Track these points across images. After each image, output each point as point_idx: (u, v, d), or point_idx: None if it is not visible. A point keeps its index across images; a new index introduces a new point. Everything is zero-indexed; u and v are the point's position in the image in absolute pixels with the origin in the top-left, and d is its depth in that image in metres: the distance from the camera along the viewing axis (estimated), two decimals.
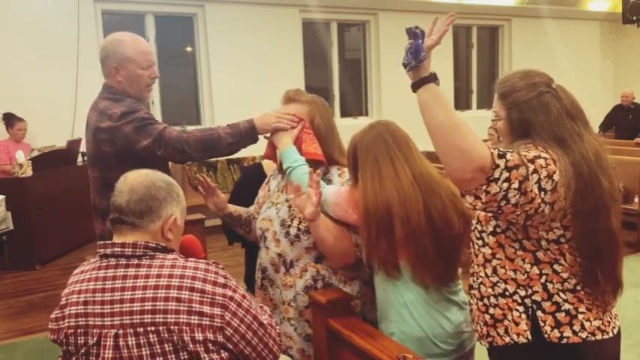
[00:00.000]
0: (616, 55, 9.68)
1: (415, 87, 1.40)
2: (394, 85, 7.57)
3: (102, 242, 1.35)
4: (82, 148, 5.77)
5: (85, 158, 5.85)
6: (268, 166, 2.34)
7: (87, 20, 5.91)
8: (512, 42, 8.63)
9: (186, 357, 1.26)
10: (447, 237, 1.70)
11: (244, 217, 2.14)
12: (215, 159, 6.38)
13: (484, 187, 1.29)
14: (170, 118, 6.54)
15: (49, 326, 1.37)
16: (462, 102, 8.63)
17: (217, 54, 6.53)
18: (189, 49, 6.75)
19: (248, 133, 1.98)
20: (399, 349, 1.60)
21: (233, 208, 2.14)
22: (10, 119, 5.47)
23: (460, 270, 1.83)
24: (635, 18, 7.81)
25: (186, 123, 6.67)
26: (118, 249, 1.32)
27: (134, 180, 1.36)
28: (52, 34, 5.77)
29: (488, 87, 8.82)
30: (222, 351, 1.29)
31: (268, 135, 1.98)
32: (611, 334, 1.49)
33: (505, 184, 1.28)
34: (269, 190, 2.08)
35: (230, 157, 5.99)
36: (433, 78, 1.38)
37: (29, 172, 5.06)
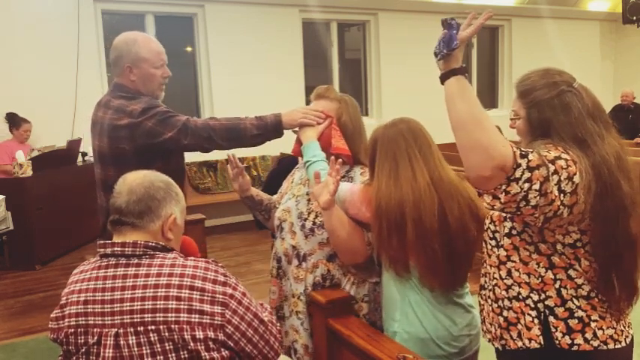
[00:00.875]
0: (616, 55, 9.68)
1: (444, 78, 1.36)
2: (394, 85, 7.58)
3: (102, 242, 1.35)
4: (82, 148, 5.78)
5: (84, 158, 5.89)
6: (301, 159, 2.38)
7: (87, 20, 5.90)
8: (512, 42, 8.63)
9: (186, 356, 1.26)
10: (461, 241, 1.68)
11: (265, 203, 2.17)
12: (215, 159, 6.39)
13: (504, 187, 1.25)
14: None
15: (49, 325, 1.37)
16: None
17: (217, 54, 6.53)
18: (189, 49, 6.75)
19: (274, 127, 2.00)
20: (399, 349, 1.60)
21: (255, 192, 2.17)
22: (16, 120, 5.45)
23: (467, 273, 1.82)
24: (635, 18, 7.81)
25: None
26: (118, 248, 1.32)
27: (132, 181, 1.37)
28: (52, 34, 5.76)
29: (488, 87, 8.82)
30: (222, 349, 1.29)
31: (297, 129, 2.00)
32: (623, 344, 1.46)
33: (526, 185, 1.25)
34: (292, 182, 2.10)
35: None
36: (463, 70, 1.34)
37: (29, 172, 5.06)
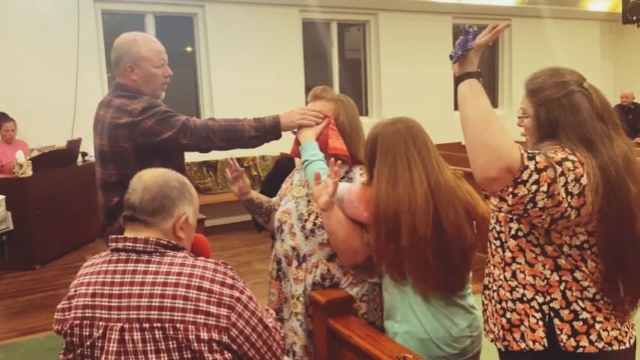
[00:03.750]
0: (616, 55, 9.68)
1: (458, 80, 1.38)
2: (394, 85, 7.58)
3: (114, 236, 1.36)
4: (82, 148, 5.77)
5: (84, 158, 5.89)
6: (299, 161, 2.37)
7: (87, 20, 5.91)
8: (512, 42, 8.63)
9: (189, 356, 1.26)
10: (458, 248, 1.68)
11: (265, 205, 2.17)
12: (215, 159, 6.39)
13: (511, 189, 1.25)
14: None
15: (55, 316, 1.37)
16: None
17: (217, 54, 6.53)
18: (189, 49, 6.75)
19: (272, 129, 2.02)
20: (399, 349, 1.60)
21: (255, 195, 2.17)
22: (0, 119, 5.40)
23: (471, 274, 1.81)
24: (635, 18, 7.81)
25: None
26: (130, 244, 1.33)
27: (148, 178, 1.38)
28: (52, 34, 5.76)
29: (488, 87, 8.82)
30: (225, 352, 1.29)
31: (295, 130, 2.00)
32: (627, 345, 1.46)
33: (534, 187, 1.25)
34: (292, 184, 2.10)
35: (228, 155, 6.00)
36: (477, 74, 1.36)
37: (29, 172, 5.06)
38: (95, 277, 1.33)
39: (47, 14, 5.75)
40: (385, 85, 7.59)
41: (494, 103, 8.82)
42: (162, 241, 1.34)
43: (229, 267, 1.36)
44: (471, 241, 1.70)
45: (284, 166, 2.45)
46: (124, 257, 1.33)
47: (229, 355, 1.30)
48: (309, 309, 1.90)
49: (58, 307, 1.37)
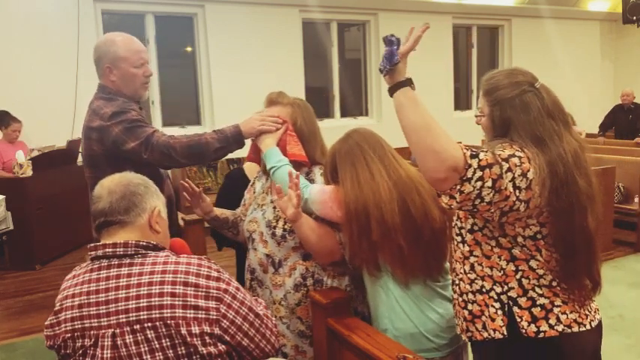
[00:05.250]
0: (616, 55, 9.69)
1: (392, 91, 1.45)
2: None
3: (92, 245, 1.35)
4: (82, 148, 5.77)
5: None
6: (250, 169, 2.37)
7: (87, 20, 5.91)
8: (512, 42, 8.64)
9: (183, 351, 1.26)
10: (428, 230, 1.73)
11: (231, 219, 2.17)
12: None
13: (458, 187, 1.32)
14: (170, 119, 6.55)
15: (45, 333, 1.36)
16: (462, 102, 8.63)
17: (217, 54, 6.54)
18: (189, 49, 6.75)
19: (234, 138, 2.00)
20: (398, 348, 1.61)
21: (219, 211, 2.17)
22: (5, 119, 5.41)
23: (449, 265, 1.84)
24: (635, 18, 7.81)
25: (186, 123, 6.68)
26: (110, 250, 1.32)
27: (110, 183, 1.38)
28: (52, 34, 5.77)
29: None
30: (219, 344, 1.29)
31: (255, 137, 1.99)
32: (588, 327, 1.50)
33: (479, 183, 1.31)
34: (254, 192, 2.10)
35: (230, 157, 5.99)
36: (408, 82, 1.43)
37: (29, 172, 5.06)
38: (79, 288, 1.32)
39: (47, 14, 5.76)
40: (385, 85, 7.53)
41: None
42: (141, 243, 1.33)
43: (213, 261, 1.37)
44: (440, 223, 1.75)
45: (235, 178, 2.45)
46: (106, 264, 1.32)
47: (223, 346, 1.30)
48: (296, 310, 1.90)
49: (46, 323, 1.36)
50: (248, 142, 2.06)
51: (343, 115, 7.64)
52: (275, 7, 6.78)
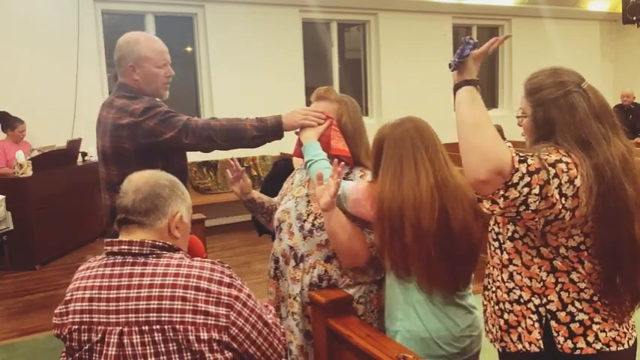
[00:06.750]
0: (616, 55, 9.68)
1: (456, 88, 1.41)
2: (394, 85, 7.58)
3: (109, 240, 1.36)
4: (82, 148, 5.77)
5: (84, 158, 5.89)
6: (297, 162, 2.38)
7: (87, 20, 5.91)
8: (512, 42, 8.63)
9: (189, 357, 1.26)
10: (465, 245, 1.68)
11: (266, 205, 2.18)
12: (215, 159, 6.39)
13: (502, 192, 1.26)
14: None
15: (53, 321, 1.37)
16: None
17: (217, 54, 6.53)
18: (189, 49, 6.76)
19: (274, 129, 2.01)
20: (399, 349, 1.60)
21: (257, 195, 2.18)
22: (10, 122, 5.44)
23: (472, 274, 1.81)
24: (635, 18, 7.81)
25: None
26: (125, 247, 1.32)
27: (138, 180, 1.38)
28: (52, 34, 5.76)
29: (488, 87, 8.82)
30: (226, 351, 1.29)
31: (298, 131, 2.00)
32: (626, 346, 1.45)
33: (525, 189, 1.26)
34: (292, 184, 2.10)
35: (228, 155, 6.00)
36: (474, 82, 1.39)
37: (29, 172, 5.06)
38: (92, 282, 1.32)
39: (47, 14, 5.76)
40: (385, 85, 7.59)
41: (494, 103, 8.82)
42: (157, 243, 1.33)
43: (226, 266, 1.36)
44: (478, 239, 1.70)
45: (282, 167, 2.46)
46: (120, 261, 1.32)
47: (230, 354, 1.29)
48: (307, 309, 1.90)
49: (56, 311, 1.36)
50: (290, 137, 2.05)
51: None
52: (275, 7, 6.78)
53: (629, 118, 7.70)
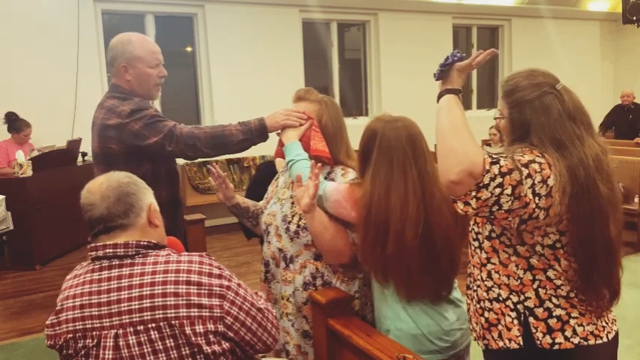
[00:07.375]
0: (616, 56, 9.68)
1: (439, 97, 1.47)
2: (394, 85, 7.58)
3: (92, 245, 1.34)
4: (82, 148, 5.78)
5: (84, 158, 5.89)
6: (281, 164, 2.38)
7: (87, 20, 5.91)
8: (512, 42, 8.63)
9: (187, 352, 1.26)
10: (447, 257, 1.72)
11: (252, 209, 2.19)
12: (215, 159, 6.38)
13: (474, 193, 1.30)
14: (170, 118, 6.54)
15: (46, 332, 1.36)
16: (462, 102, 8.62)
17: (217, 54, 6.53)
18: (189, 49, 6.75)
19: (258, 131, 2.03)
20: (398, 349, 1.61)
21: (241, 200, 2.19)
22: (17, 124, 5.43)
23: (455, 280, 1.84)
24: (635, 18, 7.80)
25: (186, 123, 6.67)
26: (110, 250, 1.32)
27: (98, 188, 1.36)
28: (52, 34, 5.76)
29: (488, 87, 8.82)
30: (223, 342, 1.30)
31: (279, 132, 2.01)
32: (605, 339, 1.47)
33: (497, 190, 1.29)
34: (277, 186, 2.11)
35: (230, 157, 5.98)
36: (455, 91, 1.46)
37: (29, 172, 5.06)
38: (81, 289, 1.32)
39: (47, 14, 5.75)
40: (385, 85, 7.59)
41: (494, 103, 8.81)
42: (142, 243, 1.33)
43: (213, 258, 1.38)
44: (459, 250, 1.75)
45: (264, 171, 2.48)
46: (107, 264, 1.32)
47: (227, 344, 1.30)
48: (302, 309, 1.90)
49: (47, 322, 1.35)
50: (273, 137, 2.06)
51: (343, 115, 7.63)
52: (275, 7, 6.78)
53: (629, 118, 7.70)
